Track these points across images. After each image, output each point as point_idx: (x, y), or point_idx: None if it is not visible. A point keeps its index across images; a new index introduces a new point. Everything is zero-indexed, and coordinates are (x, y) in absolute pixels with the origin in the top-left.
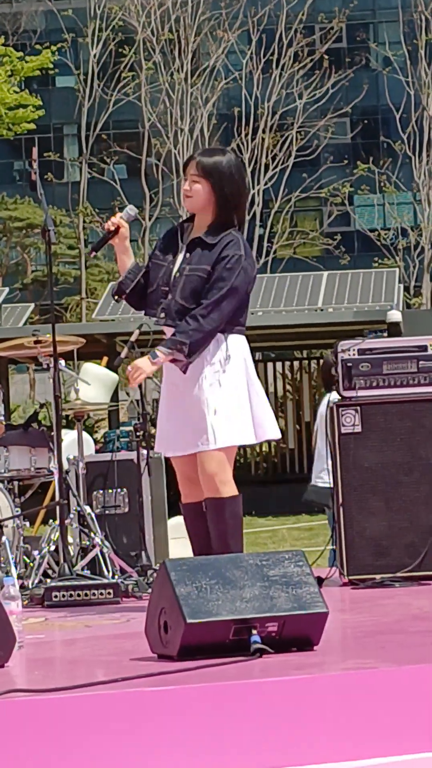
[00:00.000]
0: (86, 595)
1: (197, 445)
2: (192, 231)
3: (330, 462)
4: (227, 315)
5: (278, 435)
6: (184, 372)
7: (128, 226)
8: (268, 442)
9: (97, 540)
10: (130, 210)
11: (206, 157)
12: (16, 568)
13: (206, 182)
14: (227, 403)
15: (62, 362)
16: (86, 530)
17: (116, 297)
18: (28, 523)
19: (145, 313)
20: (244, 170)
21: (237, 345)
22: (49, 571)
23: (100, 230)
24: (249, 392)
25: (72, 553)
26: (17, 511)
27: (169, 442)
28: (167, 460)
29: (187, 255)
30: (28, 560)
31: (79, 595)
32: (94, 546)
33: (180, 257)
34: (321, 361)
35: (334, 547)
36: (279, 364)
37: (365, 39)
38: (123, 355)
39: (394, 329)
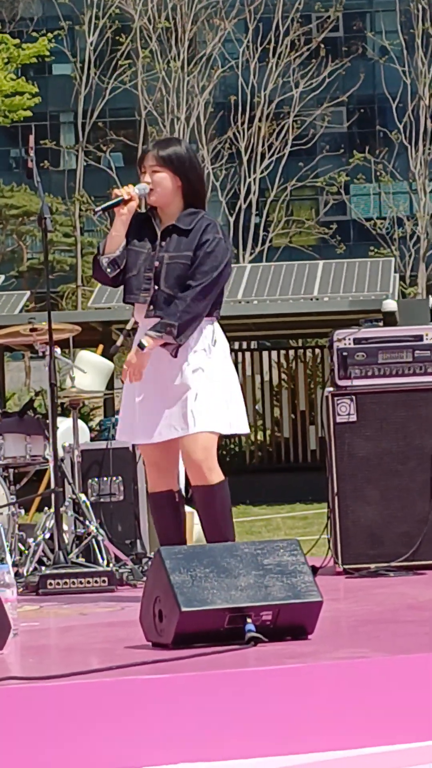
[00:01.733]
0: (81, 583)
1: (177, 431)
2: (162, 222)
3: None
4: (213, 298)
5: (248, 430)
6: (175, 355)
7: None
8: (264, 430)
9: (92, 528)
10: (144, 187)
11: (162, 148)
12: (11, 555)
13: (168, 171)
14: (211, 390)
15: (58, 350)
16: (81, 518)
17: (107, 267)
18: (23, 511)
19: (127, 299)
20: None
21: (219, 332)
22: (44, 559)
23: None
24: (231, 381)
25: (67, 541)
26: (12, 499)
27: (141, 429)
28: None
29: (162, 243)
30: (23, 548)
31: (74, 583)
32: (89, 534)
33: (157, 245)
34: (317, 350)
35: (329, 536)
36: (274, 353)
37: (362, 28)
38: (119, 343)
39: (389, 319)
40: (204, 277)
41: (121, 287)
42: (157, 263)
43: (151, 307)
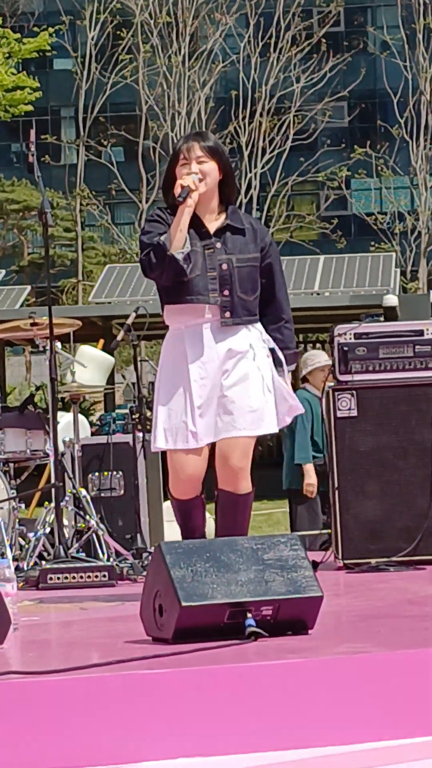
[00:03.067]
0: (81, 577)
1: (217, 434)
2: (200, 218)
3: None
4: None
5: (276, 429)
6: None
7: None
8: None
9: (93, 522)
10: (196, 178)
11: (204, 139)
12: (11, 550)
13: (214, 162)
14: (266, 392)
15: (58, 345)
16: (82, 513)
17: (184, 263)
18: (23, 506)
19: (191, 300)
20: None
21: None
22: (45, 554)
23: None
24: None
25: (67, 536)
26: (13, 493)
27: (200, 433)
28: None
29: (218, 244)
30: (23, 542)
31: (74, 578)
32: (89, 528)
33: (213, 245)
34: (318, 345)
35: (329, 531)
36: None
37: (363, 23)
38: (119, 337)
39: (390, 313)
40: (284, 283)
41: (156, 285)
42: (224, 266)
43: (228, 314)
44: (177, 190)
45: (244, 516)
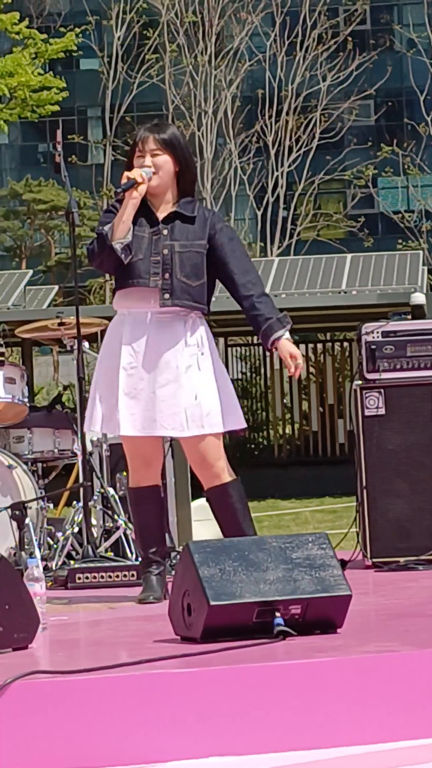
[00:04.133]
0: (110, 576)
1: (182, 430)
2: (155, 207)
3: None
4: None
5: (245, 425)
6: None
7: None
8: (292, 424)
9: (121, 522)
10: (148, 171)
11: (161, 131)
12: (39, 549)
13: (169, 154)
14: (212, 387)
15: (86, 344)
16: (110, 512)
17: (122, 253)
18: (51, 505)
19: (132, 283)
20: None
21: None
22: (73, 553)
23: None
24: (225, 376)
25: (95, 535)
26: (41, 493)
27: (137, 421)
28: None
29: (164, 231)
30: (51, 542)
31: (102, 577)
32: (117, 528)
33: (160, 232)
34: (345, 343)
35: (358, 529)
36: (302, 347)
37: (389, 21)
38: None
39: (418, 311)
40: (248, 262)
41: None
42: (165, 251)
43: (167, 295)
44: (123, 181)
45: (242, 504)
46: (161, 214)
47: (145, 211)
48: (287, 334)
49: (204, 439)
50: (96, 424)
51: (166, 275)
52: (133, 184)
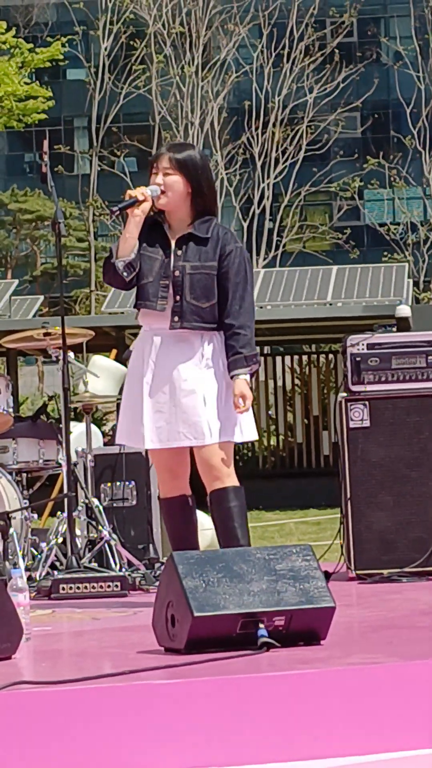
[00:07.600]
0: (94, 587)
1: (192, 440)
2: (171, 227)
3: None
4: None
5: (257, 436)
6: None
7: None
8: (277, 435)
9: (105, 532)
10: (155, 189)
11: (177, 151)
12: (23, 560)
13: (180, 175)
14: (224, 398)
15: (71, 355)
16: (94, 523)
17: (124, 271)
18: (35, 515)
19: (142, 305)
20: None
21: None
22: (57, 564)
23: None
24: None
25: (80, 546)
26: (25, 503)
27: (154, 433)
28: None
29: (178, 252)
30: (35, 552)
31: (86, 588)
32: (101, 538)
33: (173, 254)
34: (330, 355)
35: (342, 541)
36: (288, 358)
37: (376, 33)
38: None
39: (403, 324)
40: (242, 292)
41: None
42: (177, 272)
43: (176, 318)
44: (125, 198)
45: (240, 511)
46: (176, 235)
47: (161, 232)
48: (247, 376)
49: (219, 446)
50: (122, 438)
51: (177, 297)
52: (134, 203)
